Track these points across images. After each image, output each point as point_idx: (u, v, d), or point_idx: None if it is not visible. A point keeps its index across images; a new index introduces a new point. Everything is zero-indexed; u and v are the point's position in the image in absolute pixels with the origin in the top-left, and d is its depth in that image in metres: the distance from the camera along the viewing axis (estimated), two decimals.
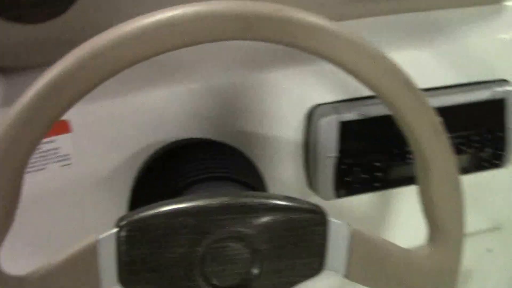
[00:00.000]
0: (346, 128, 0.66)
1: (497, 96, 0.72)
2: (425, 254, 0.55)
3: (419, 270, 0.55)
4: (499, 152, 0.74)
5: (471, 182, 0.78)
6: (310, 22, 0.45)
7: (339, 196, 0.70)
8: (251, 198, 0.49)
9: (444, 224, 0.54)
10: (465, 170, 0.74)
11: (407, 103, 0.48)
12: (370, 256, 0.53)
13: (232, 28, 0.44)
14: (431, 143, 0.50)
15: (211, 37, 0.44)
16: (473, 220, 0.89)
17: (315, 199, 0.67)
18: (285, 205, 0.49)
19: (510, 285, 0.99)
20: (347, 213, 0.76)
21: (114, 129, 0.63)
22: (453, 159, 0.52)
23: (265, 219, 0.48)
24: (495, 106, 0.72)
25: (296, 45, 0.45)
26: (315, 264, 0.51)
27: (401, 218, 0.74)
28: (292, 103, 0.67)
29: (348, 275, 0.52)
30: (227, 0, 0.44)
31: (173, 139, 0.66)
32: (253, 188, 0.63)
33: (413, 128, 0.50)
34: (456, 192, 0.53)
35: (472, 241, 0.90)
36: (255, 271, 0.49)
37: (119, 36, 0.42)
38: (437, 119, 0.50)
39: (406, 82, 0.48)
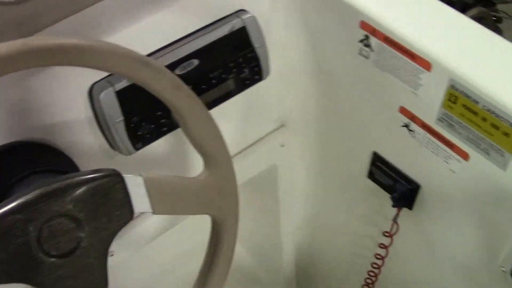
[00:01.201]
0: (123, 94, 0.77)
1: (238, 26, 0.86)
2: (206, 177, 0.71)
3: (205, 190, 0.71)
4: (255, 69, 0.89)
5: (248, 98, 0.94)
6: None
7: (137, 149, 0.82)
8: (59, 182, 0.61)
9: (210, 151, 0.70)
10: (236, 91, 0.89)
11: (146, 76, 0.62)
12: (166, 191, 0.68)
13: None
14: (176, 96, 0.65)
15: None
16: (263, 124, 1.06)
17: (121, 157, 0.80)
18: (87, 178, 0.62)
19: (306, 172, 1.19)
20: (153, 158, 0.90)
21: None
22: (197, 101, 0.67)
23: (75, 194, 0.61)
24: (240, 34, 0.86)
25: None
26: (126, 212, 0.65)
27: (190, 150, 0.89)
28: (73, 88, 0.77)
29: (155, 211, 0.68)
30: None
31: None
32: (64, 172, 0.74)
33: (159, 92, 0.64)
34: (209, 124, 0.70)
35: (267, 140, 1.08)
36: (82, 234, 0.63)
37: None
38: (174, 77, 0.65)
39: (140, 61, 0.61)
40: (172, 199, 0.69)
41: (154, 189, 0.66)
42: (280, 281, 1.41)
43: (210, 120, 0.69)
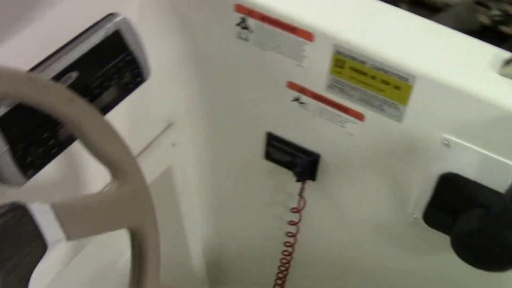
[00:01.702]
0: (3, 122, 0.71)
1: (112, 30, 0.82)
2: (116, 189, 0.67)
3: (119, 202, 0.67)
4: (136, 71, 0.86)
5: (133, 101, 0.90)
6: None
7: (30, 176, 0.76)
8: None
9: (116, 160, 0.66)
10: (120, 97, 0.85)
11: (35, 93, 0.57)
12: (77, 214, 0.63)
13: None
14: (71, 109, 0.61)
15: None
16: (151, 126, 1.03)
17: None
18: None
19: (202, 167, 1.17)
20: (51, 182, 0.84)
21: None
22: (94, 110, 0.63)
23: None
24: (115, 38, 0.82)
25: None
26: (39, 246, 0.59)
27: (90, 164, 0.83)
28: None
29: (69, 238, 0.62)
30: None
31: None
32: None
33: (52, 108, 0.59)
34: (110, 132, 0.66)
35: (158, 142, 1.05)
36: None
37: None
38: (65, 90, 0.60)
39: (25, 78, 0.56)
40: (86, 220, 0.64)
41: (64, 214, 0.61)
42: (193, 284, 1.39)
43: (111, 128, 0.66)
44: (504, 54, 0.74)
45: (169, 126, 1.04)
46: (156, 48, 0.90)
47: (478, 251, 0.78)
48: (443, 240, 0.86)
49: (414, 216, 0.88)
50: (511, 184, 0.69)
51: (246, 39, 0.85)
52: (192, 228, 1.25)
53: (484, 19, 1.44)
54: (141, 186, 0.70)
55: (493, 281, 0.93)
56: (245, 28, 0.84)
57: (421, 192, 0.85)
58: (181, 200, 1.18)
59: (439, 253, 0.94)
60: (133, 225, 0.70)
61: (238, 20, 0.84)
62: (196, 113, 1.04)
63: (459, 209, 0.81)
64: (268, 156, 1.01)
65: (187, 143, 1.10)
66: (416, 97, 0.75)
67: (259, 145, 1.00)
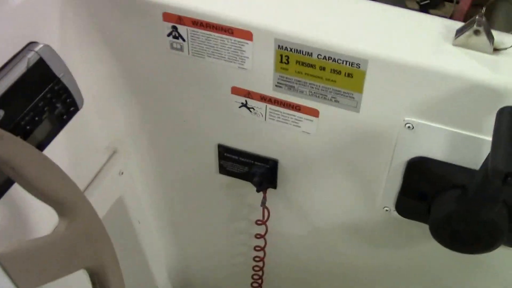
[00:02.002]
0: None
1: (35, 60, 0.74)
2: (66, 227, 0.61)
3: (71, 242, 0.61)
4: (68, 100, 0.78)
5: (71, 133, 0.83)
6: None
7: None
8: None
9: (61, 197, 0.60)
10: (56, 130, 0.78)
11: None
12: (27, 262, 0.56)
13: None
14: (1, 148, 0.54)
15: None
16: (95, 157, 0.95)
17: None
18: None
19: (154, 191, 1.10)
20: None
21: None
22: (27, 146, 0.58)
23: None
24: (39, 67, 0.75)
25: None
26: None
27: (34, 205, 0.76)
28: None
29: None
30: None
31: None
32: None
33: None
34: (50, 168, 0.59)
35: (105, 173, 0.97)
36: None
37: None
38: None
39: None
40: (38, 267, 0.57)
41: (12, 265, 0.54)
42: None
43: (50, 163, 0.59)
44: (455, 24, 0.70)
45: (113, 153, 0.97)
46: (86, 72, 0.83)
47: (459, 234, 0.75)
48: (420, 229, 0.82)
49: (386, 208, 0.84)
50: (486, 158, 0.65)
51: (180, 49, 0.79)
52: (154, 256, 1.19)
53: (412, 5, 1.44)
54: (93, 221, 0.64)
55: (476, 266, 0.90)
56: (177, 37, 0.78)
57: (389, 182, 0.80)
58: (138, 230, 1.11)
59: (418, 243, 0.90)
60: (91, 265, 0.64)
61: (169, 30, 0.77)
62: (140, 136, 0.98)
63: (432, 194, 0.78)
64: (222, 169, 0.95)
65: (135, 168, 1.03)
66: (371, 82, 0.71)
67: (212, 159, 0.94)
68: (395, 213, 0.83)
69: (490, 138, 0.61)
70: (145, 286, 1.25)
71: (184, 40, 0.78)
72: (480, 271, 0.91)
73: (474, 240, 0.75)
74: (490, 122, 0.64)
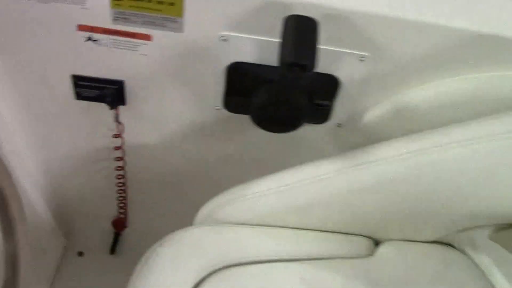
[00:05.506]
0: None
1: None
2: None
3: None
4: None
5: None
6: None
7: None
8: None
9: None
10: None
11: None
12: None
13: None
14: None
15: None
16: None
17: None
18: None
19: (21, 131, 1.19)
20: None
21: None
22: None
23: None
24: None
25: None
26: None
27: None
28: None
29: None
30: None
31: None
32: None
33: None
34: None
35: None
36: None
37: None
38: None
39: None
40: None
41: None
42: (47, 236, 1.43)
43: None
44: None
45: None
46: None
47: (273, 118, 0.93)
48: (247, 120, 1.03)
49: (217, 107, 1.04)
50: (279, 55, 0.85)
51: None
52: (31, 189, 1.29)
53: None
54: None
55: (294, 142, 1.14)
56: None
57: (216, 85, 1.00)
58: (12, 161, 1.20)
59: (247, 131, 1.12)
60: None
61: None
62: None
63: (251, 90, 0.97)
64: (79, 95, 1.08)
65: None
66: (189, 8, 0.89)
67: (68, 88, 1.07)
68: (225, 111, 1.04)
69: None
70: (30, 217, 1.35)
71: None
72: (297, 145, 1.15)
73: (284, 121, 0.92)
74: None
